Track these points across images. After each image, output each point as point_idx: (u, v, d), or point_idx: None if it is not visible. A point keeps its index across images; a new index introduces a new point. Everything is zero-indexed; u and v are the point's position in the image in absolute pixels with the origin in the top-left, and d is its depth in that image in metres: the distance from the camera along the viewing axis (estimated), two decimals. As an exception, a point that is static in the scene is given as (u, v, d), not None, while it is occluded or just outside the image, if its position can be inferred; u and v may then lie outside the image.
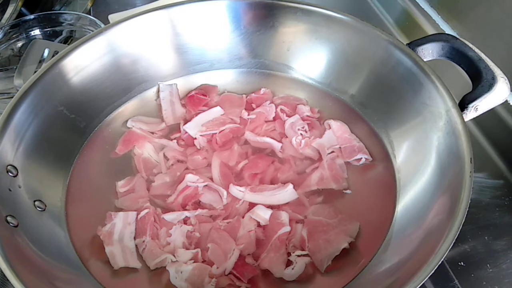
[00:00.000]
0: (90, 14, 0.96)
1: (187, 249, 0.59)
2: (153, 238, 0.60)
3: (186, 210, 0.62)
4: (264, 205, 0.63)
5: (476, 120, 0.61)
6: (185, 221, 0.62)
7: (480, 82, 0.58)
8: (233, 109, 0.75)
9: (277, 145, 0.70)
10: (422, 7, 0.90)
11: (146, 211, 0.62)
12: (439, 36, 0.65)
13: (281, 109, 0.75)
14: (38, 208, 0.59)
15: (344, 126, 0.72)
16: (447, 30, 0.85)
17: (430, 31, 0.87)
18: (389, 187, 0.65)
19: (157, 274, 0.58)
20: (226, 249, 0.58)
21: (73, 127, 0.69)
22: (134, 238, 0.60)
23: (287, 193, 0.64)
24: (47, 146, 0.64)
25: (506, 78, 0.59)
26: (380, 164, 0.68)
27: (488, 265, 0.62)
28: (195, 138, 0.71)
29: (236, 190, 0.64)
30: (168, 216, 0.61)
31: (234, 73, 0.81)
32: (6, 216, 0.53)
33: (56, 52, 0.84)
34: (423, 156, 0.62)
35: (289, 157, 0.69)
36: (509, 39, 0.73)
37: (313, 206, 0.64)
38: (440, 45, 0.64)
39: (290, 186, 0.64)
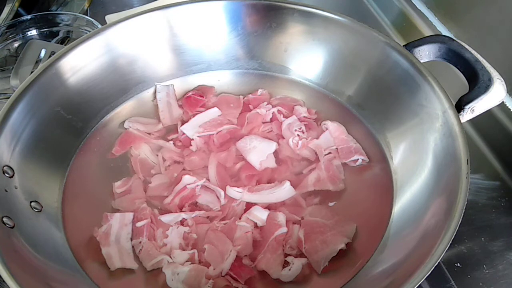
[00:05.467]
0: (87, 15, 0.96)
1: (184, 250, 0.59)
2: (149, 239, 0.60)
3: (183, 211, 0.62)
4: (263, 204, 0.63)
5: (472, 121, 0.61)
6: (182, 222, 0.62)
7: (476, 83, 0.58)
8: (230, 110, 0.75)
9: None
10: (419, 8, 0.90)
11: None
12: (436, 38, 0.65)
13: (278, 110, 0.74)
14: (34, 209, 0.59)
15: (341, 127, 0.72)
16: (444, 31, 0.85)
17: (427, 32, 0.87)
18: (386, 188, 0.65)
19: (154, 275, 0.58)
20: (223, 250, 0.58)
21: (69, 127, 0.69)
22: (131, 239, 0.60)
23: (284, 191, 0.64)
24: (43, 147, 0.64)
25: (502, 79, 0.59)
26: (377, 165, 0.68)
27: (484, 266, 0.63)
28: (192, 139, 0.71)
29: (234, 192, 0.64)
30: (165, 218, 0.61)
31: (231, 74, 0.81)
32: (2, 217, 0.53)
33: (53, 53, 0.84)
34: (419, 157, 0.62)
35: (286, 158, 0.69)
36: (505, 40, 0.73)
37: (310, 207, 0.64)
38: (436, 47, 0.64)
39: (287, 183, 0.64)
